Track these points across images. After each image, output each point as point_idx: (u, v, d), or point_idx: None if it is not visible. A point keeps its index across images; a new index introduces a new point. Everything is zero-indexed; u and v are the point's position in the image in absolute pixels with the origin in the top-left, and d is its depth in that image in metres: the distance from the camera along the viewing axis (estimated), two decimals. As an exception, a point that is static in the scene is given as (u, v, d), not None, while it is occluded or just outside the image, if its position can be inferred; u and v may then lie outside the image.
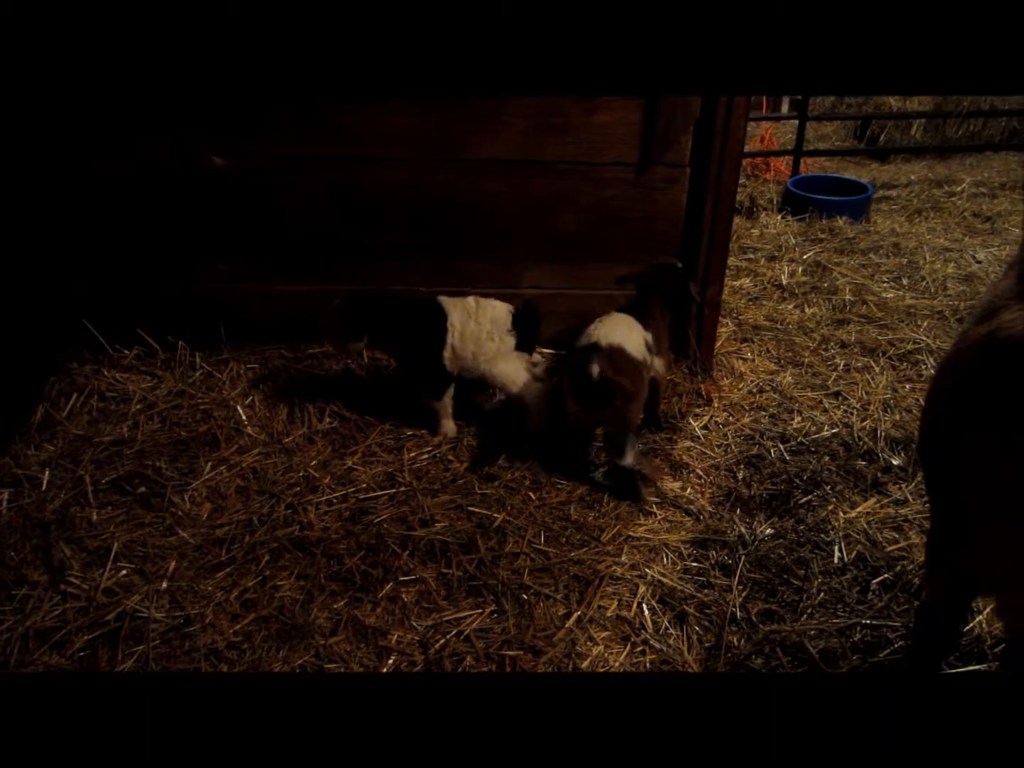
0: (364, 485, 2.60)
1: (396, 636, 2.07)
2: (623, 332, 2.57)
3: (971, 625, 2.02)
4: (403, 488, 2.58)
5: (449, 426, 2.86)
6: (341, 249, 3.17)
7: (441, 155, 3.02)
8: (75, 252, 3.14)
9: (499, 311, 2.77)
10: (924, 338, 3.45)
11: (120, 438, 2.75)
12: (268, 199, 3.08)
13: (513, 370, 2.76)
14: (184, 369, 3.16)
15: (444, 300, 2.79)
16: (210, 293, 3.22)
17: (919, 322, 3.63)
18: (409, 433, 2.87)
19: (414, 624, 2.10)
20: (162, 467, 2.62)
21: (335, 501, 2.53)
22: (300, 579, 2.24)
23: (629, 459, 2.50)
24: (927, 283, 4.03)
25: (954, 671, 1.91)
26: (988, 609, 2.05)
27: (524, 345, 2.79)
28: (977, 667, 1.93)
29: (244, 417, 2.89)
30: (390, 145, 3.00)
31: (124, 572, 2.24)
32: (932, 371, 3.21)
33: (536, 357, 2.89)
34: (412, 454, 2.76)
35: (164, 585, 2.19)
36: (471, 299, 2.79)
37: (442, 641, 2.04)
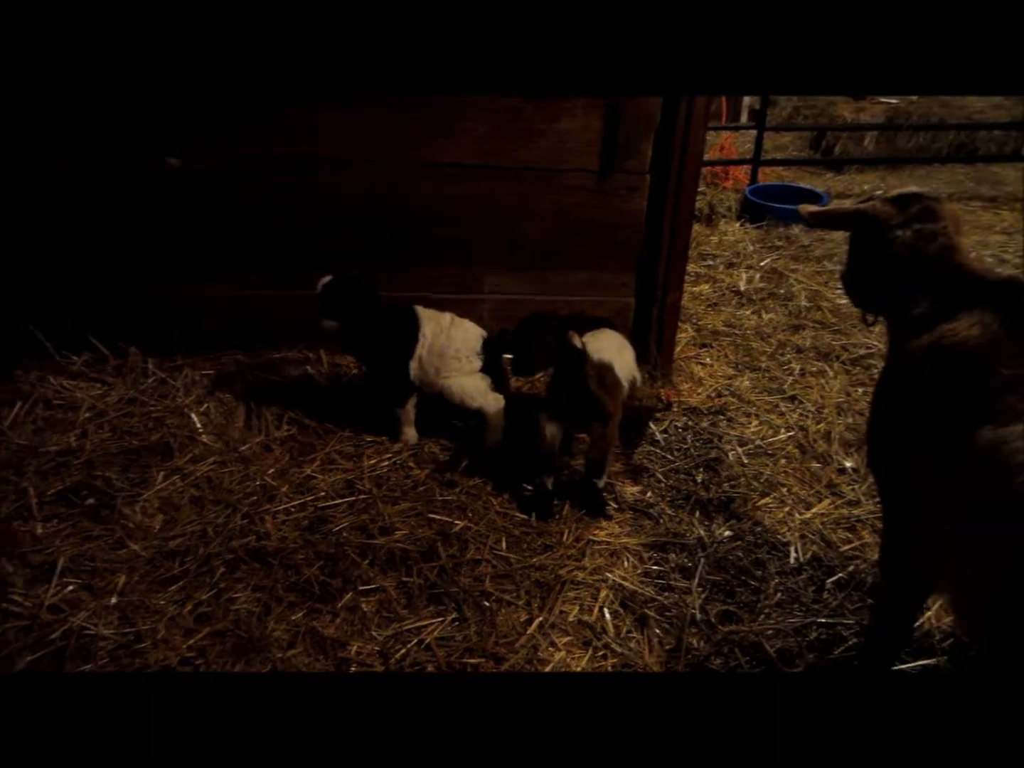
0: (323, 493, 2.56)
1: (356, 647, 2.03)
2: (614, 351, 2.54)
3: (921, 621, 2.06)
4: (363, 496, 2.55)
5: (411, 433, 2.84)
6: (301, 253, 3.13)
7: (403, 159, 3.01)
8: (19, 255, 3.04)
9: (471, 333, 2.76)
10: (876, 343, 3.53)
11: (67, 448, 2.67)
12: (224, 202, 3.03)
13: (472, 385, 2.74)
14: (136, 376, 3.08)
15: (420, 310, 2.77)
16: (163, 297, 3.15)
17: (871, 328, 3.70)
18: (369, 440, 2.84)
19: (374, 634, 2.06)
20: (112, 477, 2.54)
21: (293, 510, 2.49)
22: (257, 591, 2.19)
23: (604, 480, 2.51)
24: (879, 289, 4.11)
25: (906, 666, 1.95)
26: (937, 605, 2.10)
27: (489, 371, 2.78)
28: (927, 661, 1.96)
29: (199, 425, 2.82)
30: (351, 148, 2.97)
31: (71, 588, 2.16)
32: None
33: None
34: (372, 461, 2.73)
35: (113, 600, 2.12)
36: (447, 315, 2.78)
37: (403, 651, 2.01)
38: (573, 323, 2.66)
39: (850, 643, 2.01)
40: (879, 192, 1.81)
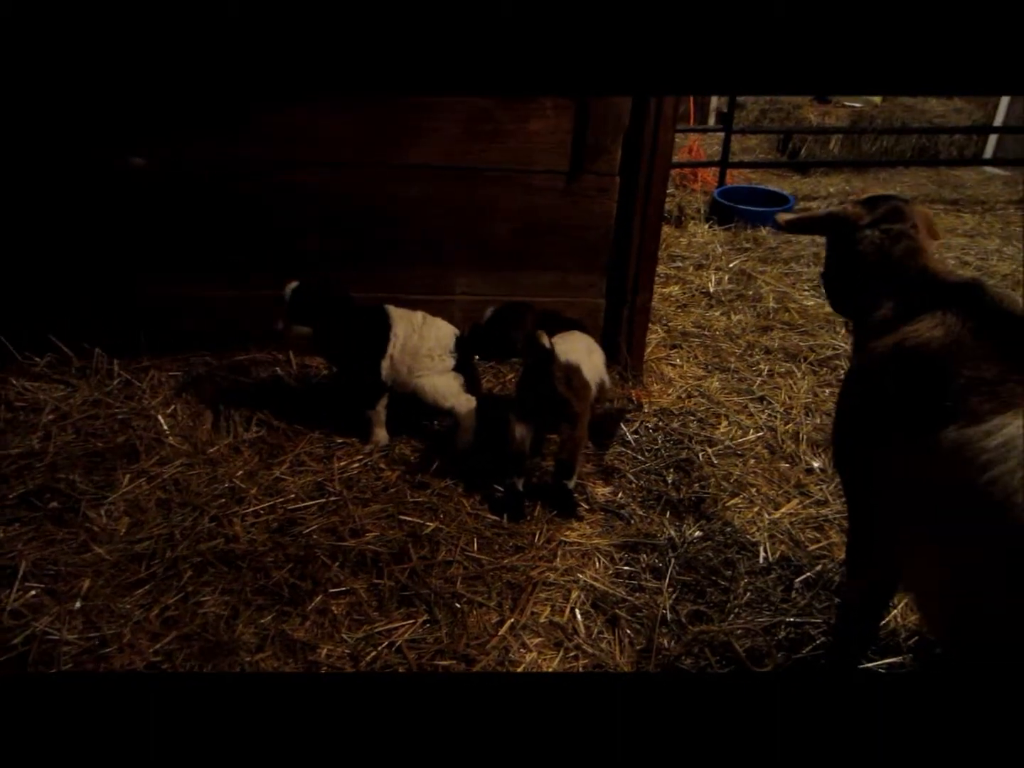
0: (292, 495, 2.53)
1: (326, 650, 2.01)
2: (582, 352, 2.54)
3: (886, 620, 2.10)
4: (333, 498, 2.53)
5: (381, 434, 2.82)
6: (269, 254, 3.09)
7: (372, 160, 2.99)
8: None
9: (444, 331, 2.75)
10: (842, 344, 3.59)
11: (30, 450, 2.61)
12: (192, 202, 2.98)
13: (444, 385, 2.73)
14: (101, 377, 3.02)
15: (391, 309, 2.75)
16: (129, 298, 3.10)
17: (838, 329, 3.77)
18: (339, 441, 2.82)
19: (344, 637, 2.05)
20: (76, 480, 2.49)
21: (262, 512, 2.46)
22: (225, 594, 2.16)
23: (575, 481, 2.52)
24: (845, 291, 4.19)
25: (872, 664, 1.98)
26: (902, 604, 2.14)
27: (462, 369, 2.78)
28: (893, 660, 2.00)
29: (165, 427, 2.78)
30: (319, 149, 2.95)
31: (33, 592, 2.11)
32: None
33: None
34: (343, 463, 2.71)
35: (77, 605, 2.08)
36: (419, 314, 2.77)
37: (373, 654, 2.00)
38: (547, 319, 2.68)
39: (818, 642, 2.05)
40: (853, 197, 1.85)
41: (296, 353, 3.24)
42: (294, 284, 2.64)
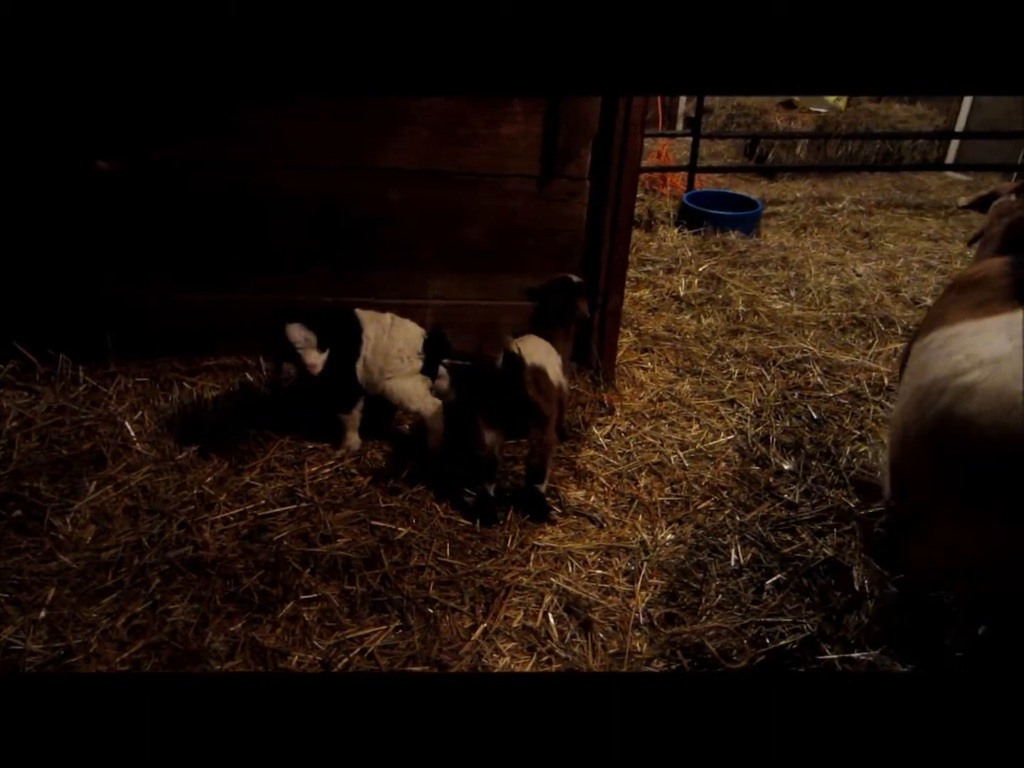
0: (263, 501, 2.51)
1: (297, 657, 2.00)
2: (544, 355, 2.55)
3: (857, 616, 2.13)
4: (304, 504, 2.51)
5: (354, 439, 2.81)
6: (240, 257, 3.06)
7: (346, 162, 2.97)
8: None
9: (413, 332, 2.77)
10: (811, 347, 3.64)
11: (-8, 458, 2.56)
12: (161, 204, 2.94)
13: (411, 387, 2.74)
14: (66, 383, 2.97)
15: (360, 313, 2.75)
16: (95, 303, 3.04)
17: (806, 332, 3.83)
18: (310, 447, 2.80)
19: (316, 644, 2.04)
20: (40, 488, 2.45)
21: (232, 519, 2.43)
22: (194, 602, 2.13)
23: (546, 484, 2.53)
24: (813, 295, 4.26)
25: (837, 657, 2.01)
26: (874, 603, 2.17)
27: (429, 370, 2.78)
28: (865, 655, 2.02)
29: (132, 433, 2.74)
30: (293, 151, 2.92)
31: (-4, 603, 2.08)
32: (819, 379, 3.38)
33: (440, 370, 2.87)
34: (314, 468, 2.69)
35: (42, 614, 2.04)
36: (387, 315, 2.77)
37: (345, 660, 1.99)
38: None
39: (788, 640, 2.07)
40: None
41: (267, 358, 3.19)
42: (297, 323, 2.50)
